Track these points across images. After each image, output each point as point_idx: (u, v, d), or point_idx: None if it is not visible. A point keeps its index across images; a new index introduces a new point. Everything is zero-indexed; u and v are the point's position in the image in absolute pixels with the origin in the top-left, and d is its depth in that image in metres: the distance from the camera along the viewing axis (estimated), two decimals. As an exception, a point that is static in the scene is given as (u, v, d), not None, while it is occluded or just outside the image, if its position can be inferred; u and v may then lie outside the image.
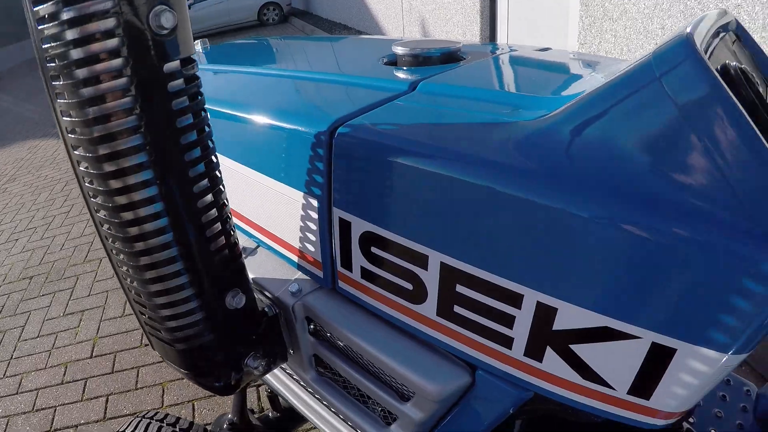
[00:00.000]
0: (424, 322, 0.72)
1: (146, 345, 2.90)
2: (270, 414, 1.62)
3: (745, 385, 1.65)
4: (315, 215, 0.80)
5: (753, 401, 1.58)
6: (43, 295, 3.60)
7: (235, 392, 0.93)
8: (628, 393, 0.59)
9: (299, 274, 0.91)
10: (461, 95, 0.78)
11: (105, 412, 2.56)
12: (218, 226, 0.70)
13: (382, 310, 0.77)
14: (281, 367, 1.11)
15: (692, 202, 0.48)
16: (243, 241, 1.03)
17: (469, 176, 0.59)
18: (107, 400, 2.62)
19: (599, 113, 0.56)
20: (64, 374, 2.85)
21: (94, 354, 2.95)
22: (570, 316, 0.58)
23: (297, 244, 0.87)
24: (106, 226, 0.65)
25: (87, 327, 3.18)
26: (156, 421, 1.29)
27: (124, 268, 0.68)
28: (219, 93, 1.02)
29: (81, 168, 0.60)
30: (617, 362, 0.58)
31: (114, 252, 0.68)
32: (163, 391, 2.61)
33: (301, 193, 0.81)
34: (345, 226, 0.75)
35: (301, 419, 1.66)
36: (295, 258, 0.89)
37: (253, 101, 0.94)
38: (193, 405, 2.47)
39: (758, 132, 0.46)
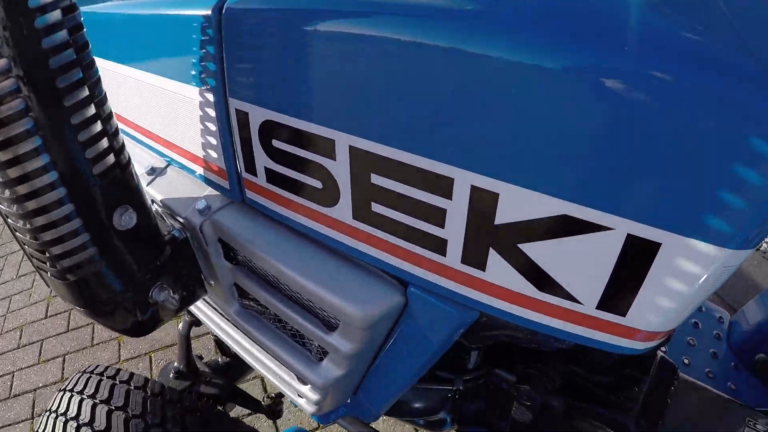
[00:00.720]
0: (341, 229, 0.59)
1: (103, 302, 2.78)
2: (219, 359, 1.52)
3: (718, 311, 1.59)
4: (213, 113, 0.65)
5: (726, 329, 1.53)
6: (-6, 260, 3.43)
7: (149, 332, 0.81)
8: (598, 308, 0.46)
9: (209, 190, 0.77)
10: None
11: (62, 373, 2.46)
12: (100, 140, 0.58)
13: (293, 219, 0.63)
14: (210, 303, 0.98)
15: (678, 37, 0.35)
16: (152, 161, 0.88)
17: (372, 28, 0.45)
18: (64, 360, 2.52)
19: None
20: (20, 338, 2.74)
21: (48, 314, 2.83)
22: (516, 204, 0.44)
23: (200, 153, 0.72)
24: None
25: (40, 287, 3.03)
26: (96, 374, 1.19)
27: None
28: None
29: None
30: (582, 266, 0.44)
31: None
32: (119, 345, 2.51)
33: (197, 89, 0.66)
34: (243, 118, 0.61)
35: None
36: (201, 171, 0.75)
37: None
38: (150, 357, 2.38)
39: None
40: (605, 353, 0.85)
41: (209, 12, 0.58)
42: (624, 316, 0.45)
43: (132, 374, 1.20)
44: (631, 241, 0.40)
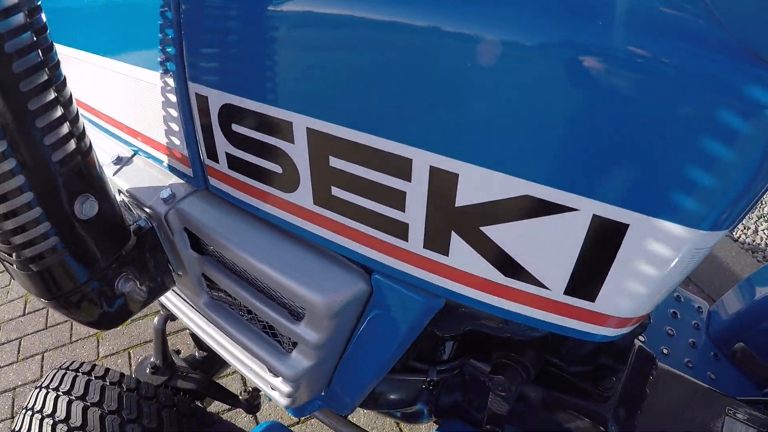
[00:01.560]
0: (303, 215, 0.57)
1: (82, 298, 2.74)
2: (197, 353, 1.50)
3: (696, 302, 1.60)
4: (174, 98, 0.63)
5: (705, 319, 1.54)
6: (-30, 255, 3.36)
7: (119, 324, 0.79)
8: (566, 293, 0.44)
9: (174, 179, 0.75)
10: None
11: (41, 371, 2.42)
12: (59, 126, 0.56)
13: (255, 206, 0.62)
14: (182, 296, 0.96)
15: (647, 14, 0.33)
16: (118, 150, 0.86)
17: (327, 7, 0.44)
18: (43, 358, 2.48)
19: None
20: (-2, 335, 2.68)
21: (26, 311, 2.78)
22: (476, 185, 0.43)
23: (164, 140, 0.70)
24: None
25: (18, 285, 2.97)
26: (72, 371, 1.17)
27: None
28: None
29: None
30: (548, 249, 0.43)
31: None
32: (98, 342, 2.47)
33: (157, 74, 0.64)
34: (203, 103, 0.59)
35: None
36: (165, 159, 0.73)
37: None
38: (129, 353, 2.35)
39: None
40: (581, 342, 0.85)
41: None
42: (593, 301, 0.44)
43: (107, 370, 1.18)
44: (598, 222, 0.39)
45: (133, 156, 0.85)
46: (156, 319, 1.40)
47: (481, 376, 0.93)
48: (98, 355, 2.38)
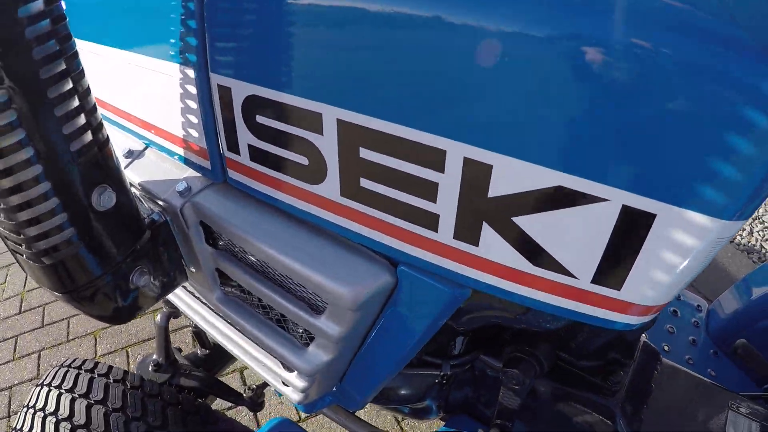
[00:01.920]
0: (328, 207, 0.57)
1: (77, 295, 2.71)
2: (198, 351, 1.49)
3: (695, 300, 1.61)
4: (193, 90, 0.63)
5: (704, 317, 1.55)
6: (-36, 256, 3.32)
7: (129, 320, 0.78)
8: (593, 282, 0.45)
9: (190, 172, 0.74)
10: None
11: (38, 369, 2.40)
12: (77, 115, 0.55)
13: (278, 198, 0.61)
14: (190, 292, 0.96)
15: (668, 6, 0.34)
16: (129, 143, 0.85)
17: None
18: (39, 356, 2.46)
19: None
20: (-7, 334, 2.65)
21: (22, 309, 2.75)
22: (509, 176, 0.43)
23: (180, 133, 0.70)
24: None
25: (13, 282, 2.95)
26: (74, 368, 1.15)
27: None
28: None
29: None
30: (577, 239, 0.43)
31: None
32: (96, 340, 2.45)
33: (177, 66, 0.63)
34: (225, 94, 0.59)
35: (230, 355, 1.55)
36: (181, 151, 0.72)
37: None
38: (127, 352, 2.33)
39: None
40: (591, 337, 0.86)
41: None
42: (619, 290, 0.45)
43: (111, 367, 1.17)
44: (626, 212, 0.39)
45: (145, 149, 0.84)
46: (158, 316, 1.39)
47: (493, 371, 0.94)
48: (96, 354, 2.36)
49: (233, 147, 0.62)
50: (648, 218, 0.39)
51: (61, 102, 0.53)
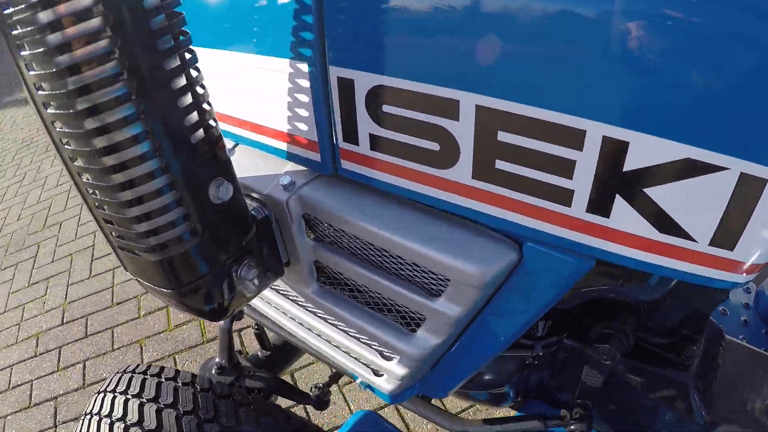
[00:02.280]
0: (457, 191, 0.59)
1: (118, 304, 2.75)
2: (259, 353, 1.51)
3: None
4: (306, 83, 0.65)
5: (753, 298, 1.59)
6: (4, 269, 3.39)
7: (226, 317, 0.79)
8: (711, 244, 0.48)
9: (290, 166, 0.76)
10: None
11: (83, 379, 2.43)
12: (198, 106, 0.57)
13: (400, 185, 0.63)
14: (277, 289, 0.98)
15: None
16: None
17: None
18: (84, 366, 2.49)
19: None
20: (37, 346, 2.70)
21: (65, 320, 2.80)
22: (644, 151, 0.46)
23: (286, 128, 0.72)
24: (58, 123, 0.51)
25: (54, 294, 3.00)
26: (138, 373, 1.16)
27: (83, 171, 0.55)
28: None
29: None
30: (699, 205, 0.47)
31: (71, 156, 0.54)
32: (141, 348, 2.48)
33: (286, 60, 0.65)
34: (346, 87, 0.61)
35: (291, 355, 1.57)
36: (284, 146, 0.74)
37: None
38: (174, 359, 2.35)
39: None
40: (668, 312, 0.89)
41: None
42: (732, 250, 0.48)
43: (178, 371, 1.18)
44: (743, 179, 0.43)
45: (234, 146, 0.86)
46: (220, 318, 1.40)
47: (575, 353, 0.95)
48: (142, 361, 2.38)
49: (350, 138, 0.64)
50: (762, 183, 0.43)
51: (181, 95, 0.54)
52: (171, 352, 2.39)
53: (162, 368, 1.17)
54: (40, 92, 0.49)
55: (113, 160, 0.52)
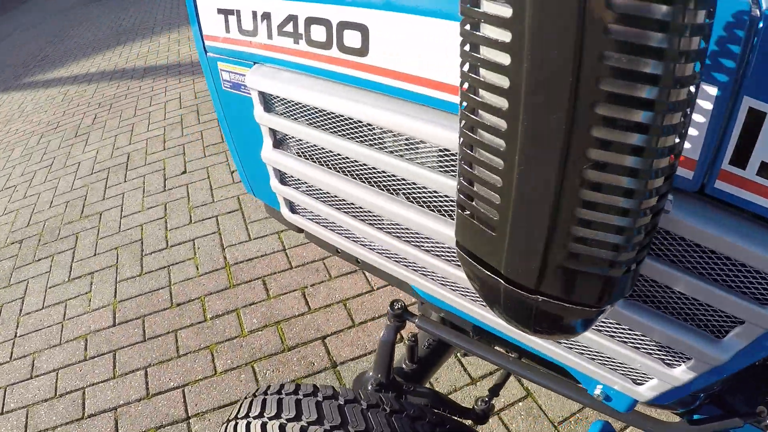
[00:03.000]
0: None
1: (179, 305, 2.64)
2: (404, 365, 1.52)
3: None
4: (708, 106, 0.73)
5: None
6: (39, 260, 3.20)
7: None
8: None
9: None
10: None
11: (147, 388, 2.30)
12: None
13: None
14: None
15: None
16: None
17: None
18: (146, 374, 2.36)
19: None
20: (86, 348, 2.54)
21: (117, 321, 2.66)
22: None
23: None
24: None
25: (101, 291, 2.86)
26: (288, 394, 1.11)
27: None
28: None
29: None
30: None
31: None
32: (212, 355, 2.38)
33: None
34: (755, 118, 0.69)
35: (432, 369, 1.57)
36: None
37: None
38: (253, 368, 2.26)
39: None
40: None
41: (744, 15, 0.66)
42: None
43: (316, 387, 1.13)
44: None
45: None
46: (384, 330, 1.41)
47: None
48: (215, 370, 2.29)
49: (738, 162, 0.72)
50: None
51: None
52: (248, 360, 2.30)
53: (316, 387, 1.12)
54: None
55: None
